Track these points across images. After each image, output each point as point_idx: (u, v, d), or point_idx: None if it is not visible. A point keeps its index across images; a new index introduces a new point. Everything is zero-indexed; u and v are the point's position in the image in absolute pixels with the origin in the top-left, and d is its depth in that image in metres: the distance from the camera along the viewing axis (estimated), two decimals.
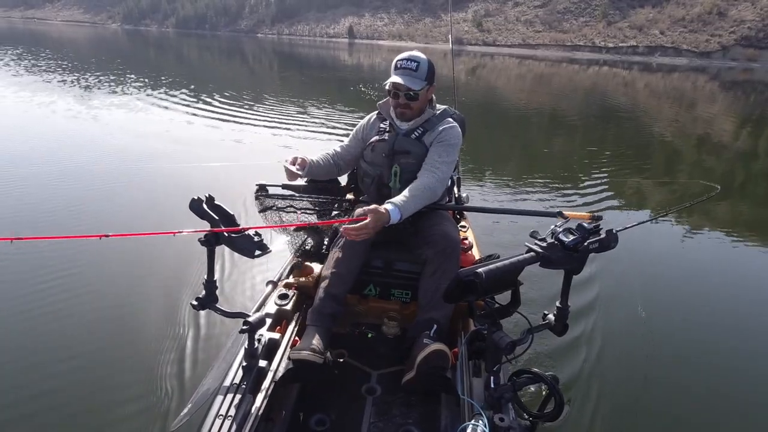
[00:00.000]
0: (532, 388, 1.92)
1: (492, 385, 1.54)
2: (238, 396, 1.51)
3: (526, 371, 1.61)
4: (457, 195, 2.58)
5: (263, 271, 3.18)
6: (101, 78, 13.86)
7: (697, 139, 10.62)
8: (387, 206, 1.73)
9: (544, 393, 1.62)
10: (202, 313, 2.69)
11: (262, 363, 1.65)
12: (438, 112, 2.11)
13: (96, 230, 1.41)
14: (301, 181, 2.22)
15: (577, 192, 5.85)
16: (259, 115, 9.43)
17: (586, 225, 1.47)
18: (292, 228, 2.10)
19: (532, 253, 1.45)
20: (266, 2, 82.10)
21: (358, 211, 1.73)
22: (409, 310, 2.14)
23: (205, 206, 1.51)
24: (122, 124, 8.20)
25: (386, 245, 2.09)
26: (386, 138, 2.09)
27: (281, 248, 2.23)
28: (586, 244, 1.46)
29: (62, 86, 11.92)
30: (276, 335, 1.80)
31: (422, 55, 2.02)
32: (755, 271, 4.17)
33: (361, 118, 2.29)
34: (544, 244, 1.46)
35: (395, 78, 1.96)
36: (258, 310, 1.92)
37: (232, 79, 18.11)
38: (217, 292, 1.59)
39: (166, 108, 9.84)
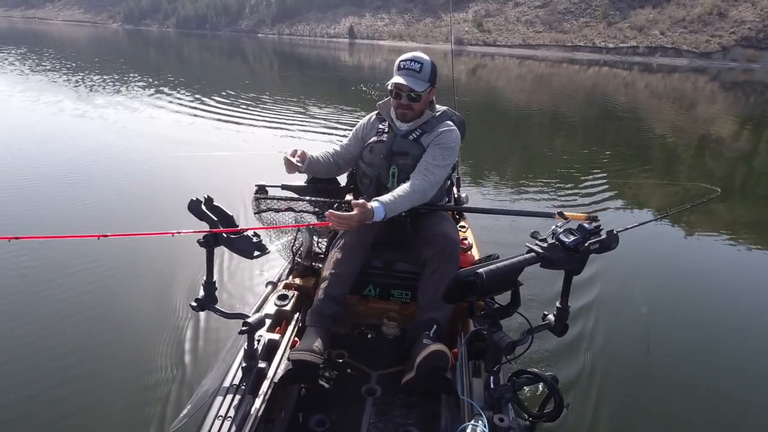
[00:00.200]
0: (532, 389, 1.92)
1: (492, 386, 1.55)
2: (238, 397, 1.51)
3: (526, 372, 1.61)
4: (456, 195, 2.58)
5: (263, 271, 3.18)
6: (105, 77, 13.89)
7: (698, 140, 10.62)
8: (373, 203, 1.74)
9: (543, 393, 1.62)
10: (202, 314, 2.68)
11: (262, 364, 1.64)
12: (438, 113, 2.10)
13: (96, 229, 1.41)
14: (300, 181, 2.22)
15: (577, 192, 5.84)
16: (260, 115, 9.43)
17: (586, 226, 1.48)
18: (290, 229, 2.10)
19: (533, 254, 1.45)
20: (267, 2, 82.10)
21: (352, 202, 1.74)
22: (408, 310, 2.13)
23: (203, 207, 1.51)
24: (125, 122, 8.22)
25: (386, 246, 2.09)
26: (384, 139, 2.09)
27: (280, 249, 2.23)
28: (586, 244, 1.46)
29: (68, 86, 11.98)
30: (275, 336, 1.80)
31: (426, 57, 2.01)
32: (755, 271, 4.17)
33: (362, 117, 2.29)
34: (545, 245, 1.46)
35: (398, 78, 1.95)
36: (257, 310, 1.92)
37: (232, 78, 18.11)
38: (217, 293, 1.59)
39: (168, 107, 9.85)
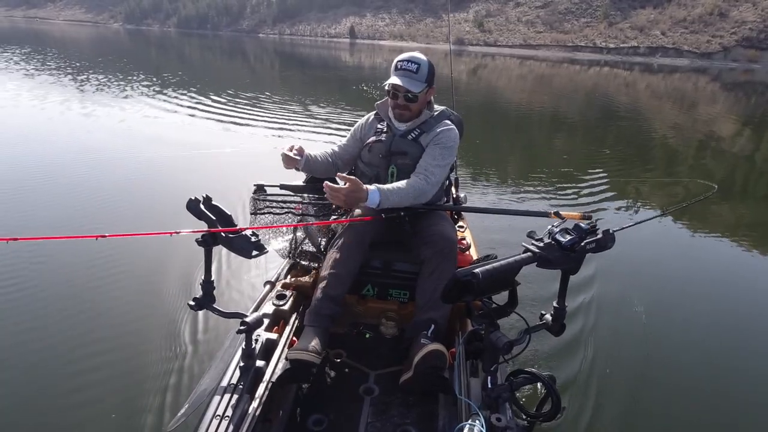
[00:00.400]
0: (529, 388, 1.92)
1: (489, 385, 1.55)
2: (236, 396, 1.51)
3: (524, 371, 1.61)
4: (455, 195, 2.58)
5: (263, 271, 3.18)
6: (110, 77, 13.97)
7: (698, 140, 10.61)
8: (370, 187, 1.77)
9: (541, 393, 1.62)
10: (200, 313, 2.68)
11: (260, 363, 1.64)
12: (436, 113, 2.10)
13: (94, 230, 1.41)
14: (298, 180, 2.22)
15: (575, 192, 5.85)
16: (261, 114, 9.44)
17: (583, 225, 1.48)
18: (289, 228, 2.10)
19: (530, 254, 1.45)
20: (268, 2, 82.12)
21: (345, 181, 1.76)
22: (407, 310, 2.14)
23: (202, 206, 1.51)
24: (126, 121, 8.25)
25: (384, 245, 2.09)
26: (383, 139, 2.09)
27: (279, 249, 2.23)
28: (583, 244, 1.46)
29: (74, 85, 12.05)
30: (273, 335, 1.80)
31: (423, 57, 2.01)
32: (754, 270, 4.17)
33: (362, 116, 2.29)
34: (542, 245, 1.46)
35: (395, 79, 1.96)
36: (255, 310, 1.92)
37: (233, 78, 18.13)
38: (215, 292, 1.59)
39: (169, 107, 9.86)
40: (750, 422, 2.44)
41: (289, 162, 2.00)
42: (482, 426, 1.39)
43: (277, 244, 2.15)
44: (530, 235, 1.52)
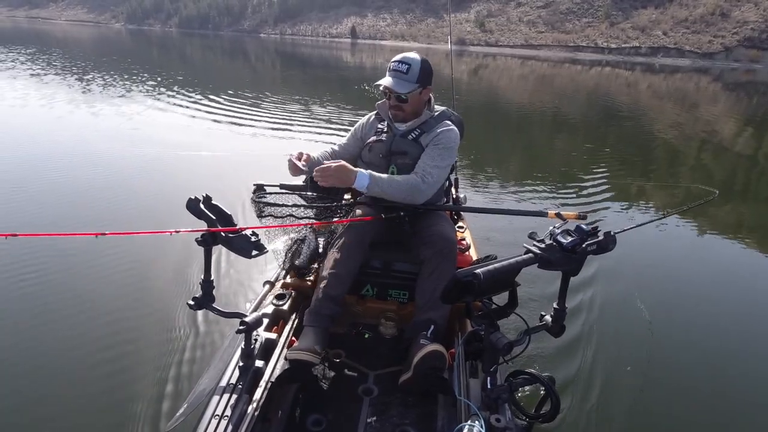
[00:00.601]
0: (529, 389, 1.92)
1: (489, 386, 1.55)
2: (235, 396, 1.51)
3: (523, 372, 1.61)
4: (454, 196, 2.58)
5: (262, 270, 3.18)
6: (115, 77, 14.00)
7: (699, 141, 10.59)
8: (360, 171, 1.81)
9: (541, 394, 1.62)
10: (199, 312, 2.68)
11: (259, 363, 1.64)
12: (436, 113, 2.10)
13: (94, 227, 1.41)
14: (299, 180, 2.22)
15: (576, 193, 5.84)
16: (262, 114, 9.44)
17: (584, 227, 1.47)
18: (288, 230, 2.09)
19: (531, 255, 1.45)
20: (269, 2, 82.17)
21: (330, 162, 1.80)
22: (406, 310, 2.13)
23: (202, 206, 1.51)
24: (128, 121, 8.25)
25: (384, 246, 2.09)
26: (383, 138, 2.09)
27: (277, 250, 2.23)
28: (584, 245, 1.46)
29: (80, 85, 12.11)
30: (273, 335, 1.80)
31: (416, 57, 2.00)
32: (755, 272, 4.16)
33: (364, 115, 2.29)
34: (543, 246, 1.46)
35: (384, 80, 1.97)
36: (255, 310, 1.92)
37: (234, 78, 18.15)
38: (214, 291, 1.59)
39: (170, 107, 9.86)
40: (750, 423, 2.43)
41: (295, 170, 1.99)
42: (481, 427, 1.38)
43: (277, 244, 2.14)
44: (531, 236, 1.52)
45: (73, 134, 7.32)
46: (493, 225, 4.12)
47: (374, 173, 1.85)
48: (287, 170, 2.05)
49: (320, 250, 2.23)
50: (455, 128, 2.06)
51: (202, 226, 1.50)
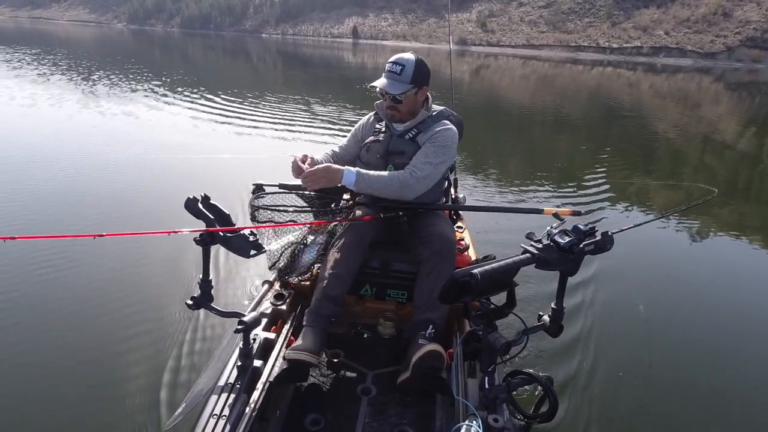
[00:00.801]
0: (527, 389, 1.92)
1: (487, 386, 1.54)
2: (233, 396, 1.51)
3: (521, 372, 1.61)
4: (454, 196, 2.58)
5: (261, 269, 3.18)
6: (121, 77, 14.06)
7: (701, 141, 10.58)
8: (347, 168, 1.84)
9: (539, 394, 1.62)
10: (198, 312, 2.69)
11: (257, 363, 1.65)
12: (434, 113, 2.10)
13: (93, 228, 1.41)
14: (299, 181, 2.21)
15: (576, 193, 5.84)
16: (263, 113, 9.45)
17: (581, 227, 1.47)
18: (287, 230, 2.09)
19: (528, 255, 1.45)
20: (270, 2, 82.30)
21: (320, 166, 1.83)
22: (405, 310, 2.13)
23: (200, 206, 1.51)
24: (129, 121, 8.27)
25: (383, 246, 2.09)
26: (381, 139, 2.09)
27: (278, 248, 2.23)
28: (581, 245, 1.45)
29: (86, 85, 12.16)
30: (271, 335, 1.80)
31: (411, 58, 1.98)
32: (753, 273, 4.14)
33: (365, 115, 2.29)
34: (540, 246, 1.46)
35: (378, 82, 1.98)
36: (253, 309, 1.92)
37: (236, 78, 18.18)
38: (213, 291, 1.60)
39: (171, 106, 9.88)
40: (750, 422, 2.43)
41: (298, 171, 1.94)
42: (479, 426, 1.39)
43: (276, 244, 2.14)
44: (529, 236, 1.52)
45: (78, 135, 7.34)
46: (493, 225, 4.12)
47: (361, 170, 1.87)
48: (288, 170, 2.04)
49: (319, 251, 2.23)
50: (453, 127, 2.06)
51: (201, 225, 1.50)
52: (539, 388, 1.59)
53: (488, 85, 21.61)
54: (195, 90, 12.15)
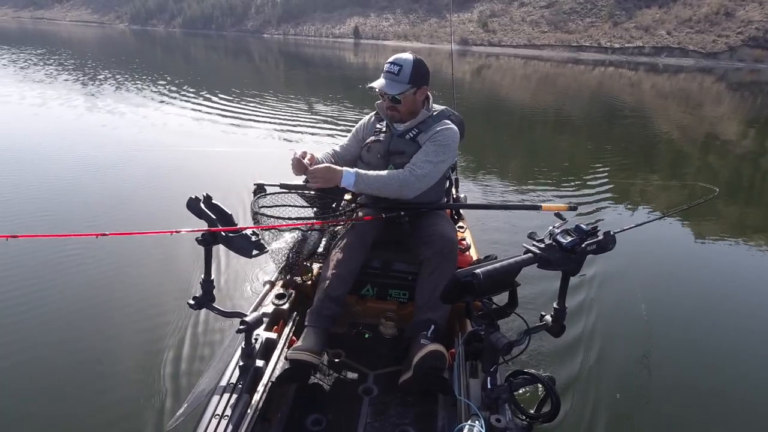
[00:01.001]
0: (529, 389, 1.91)
1: (489, 386, 1.54)
2: (235, 396, 1.51)
3: (523, 372, 1.61)
4: (455, 196, 2.58)
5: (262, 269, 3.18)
6: (126, 76, 14.12)
7: (702, 141, 10.55)
8: (346, 169, 1.86)
9: (541, 394, 1.61)
10: (199, 312, 2.69)
11: (259, 363, 1.65)
12: (435, 112, 2.09)
13: (95, 228, 1.42)
14: (299, 180, 2.21)
15: (577, 192, 5.82)
16: (264, 113, 9.46)
17: (583, 227, 1.47)
18: (289, 229, 2.09)
19: (530, 255, 1.45)
20: (272, 2, 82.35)
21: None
22: (406, 310, 2.13)
23: (202, 205, 1.51)
24: (133, 120, 8.31)
25: (384, 245, 2.09)
26: (382, 139, 2.09)
27: (279, 248, 2.23)
28: (583, 245, 1.45)
29: (94, 85, 12.24)
30: (273, 335, 1.80)
31: (409, 58, 1.98)
32: (754, 272, 4.13)
33: (366, 114, 2.29)
34: (542, 246, 1.46)
35: (376, 83, 1.99)
36: (255, 309, 1.92)
37: (237, 77, 18.18)
38: (215, 291, 1.59)
39: (172, 107, 9.89)
40: (750, 422, 2.42)
41: (299, 168, 1.95)
42: (482, 427, 1.38)
43: (277, 244, 2.14)
44: (531, 236, 1.52)
45: (86, 134, 7.36)
46: (494, 225, 4.12)
47: (360, 171, 1.87)
48: (289, 169, 2.04)
49: (320, 250, 2.23)
50: (454, 127, 2.06)
51: (203, 225, 1.50)
52: (541, 388, 1.59)
53: (489, 85, 21.59)
54: (197, 90, 12.16)
